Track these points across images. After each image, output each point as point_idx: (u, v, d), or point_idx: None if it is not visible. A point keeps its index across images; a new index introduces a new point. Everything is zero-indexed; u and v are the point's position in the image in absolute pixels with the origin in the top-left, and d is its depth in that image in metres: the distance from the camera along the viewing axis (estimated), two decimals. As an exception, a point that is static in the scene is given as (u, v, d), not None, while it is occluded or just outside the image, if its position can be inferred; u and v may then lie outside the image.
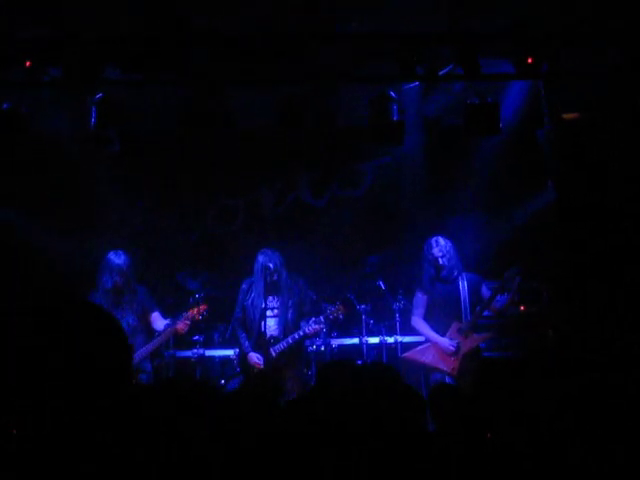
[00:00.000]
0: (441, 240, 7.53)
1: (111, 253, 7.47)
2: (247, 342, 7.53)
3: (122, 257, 7.42)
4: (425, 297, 7.55)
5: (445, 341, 7.30)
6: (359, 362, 7.42)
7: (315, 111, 8.22)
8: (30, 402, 1.74)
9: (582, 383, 2.67)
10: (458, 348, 7.24)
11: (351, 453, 2.30)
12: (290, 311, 7.51)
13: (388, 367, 2.62)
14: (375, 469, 2.28)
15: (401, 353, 8.02)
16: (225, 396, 4.34)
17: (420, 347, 7.54)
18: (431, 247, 7.51)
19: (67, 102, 8.33)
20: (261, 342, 7.43)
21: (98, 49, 7.30)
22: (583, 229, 8.15)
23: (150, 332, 7.49)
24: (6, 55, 7.29)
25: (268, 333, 7.42)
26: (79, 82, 7.46)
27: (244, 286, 7.72)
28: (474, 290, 7.43)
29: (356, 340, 8.47)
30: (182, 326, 7.28)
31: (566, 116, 8.32)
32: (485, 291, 7.42)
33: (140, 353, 7.20)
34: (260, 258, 7.56)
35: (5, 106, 7.78)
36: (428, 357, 7.39)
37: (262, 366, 7.34)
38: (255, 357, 7.42)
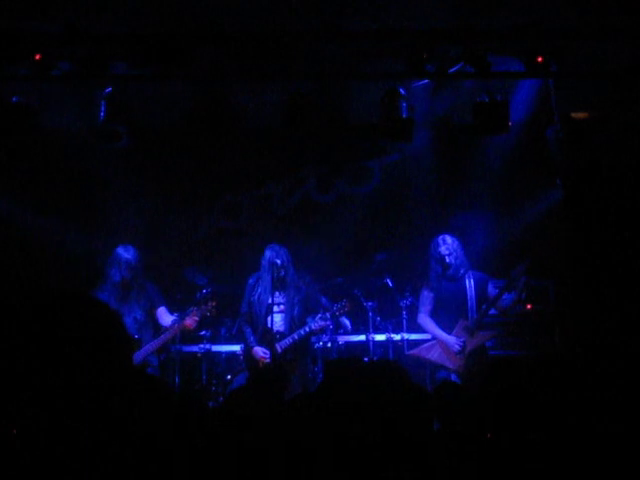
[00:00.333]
0: (448, 238, 7.53)
1: (120, 247, 7.48)
2: (252, 337, 7.53)
3: (131, 252, 7.43)
4: (432, 295, 7.55)
5: (451, 339, 7.30)
6: (365, 359, 7.43)
7: (324, 108, 8.22)
8: (28, 400, 1.74)
9: (588, 382, 2.66)
10: (464, 346, 7.24)
11: (357, 450, 2.31)
12: (296, 307, 7.51)
13: (396, 364, 2.61)
14: (381, 467, 2.28)
15: (407, 350, 8.03)
16: (231, 393, 4.35)
17: (426, 344, 7.54)
18: (438, 245, 7.51)
19: (76, 96, 8.34)
20: (267, 337, 7.43)
21: (108, 44, 7.31)
22: (591, 228, 8.14)
23: (157, 327, 7.50)
24: (16, 49, 7.30)
25: (274, 329, 7.43)
26: (89, 76, 7.48)
27: (251, 281, 7.72)
28: (480, 288, 7.42)
29: (363, 337, 8.48)
30: (190, 322, 7.27)
31: (575, 115, 8.31)
32: (491, 289, 7.42)
33: (148, 348, 7.22)
34: (268, 253, 7.56)
35: (15, 99, 7.80)
36: (434, 354, 7.39)
37: (268, 360, 7.35)
38: (261, 351, 7.41)
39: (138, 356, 7.08)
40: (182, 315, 7.34)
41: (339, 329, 8.55)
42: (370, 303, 8.43)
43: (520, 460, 2.35)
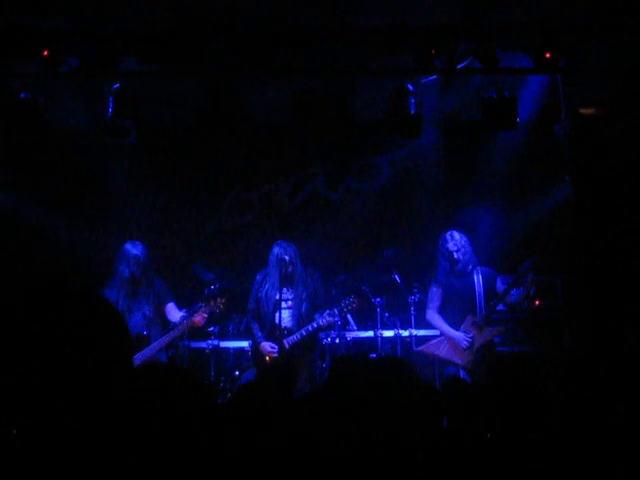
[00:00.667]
0: (456, 234, 7.52)
1: (128, 243, 7.48)
2: (260, 333, 7.53)
3: (139, 247, 7.43)
4: (440, 291, 7.54)
5: (460, 335, 7.29)
6: (373, 355, 7.43)
7: (332, 105, 8.22)
8: (28, 400, 1.74)
9: (596, 379, 2.66)
10: (472, 342, 7.24)
11: (364, 447, 2.31)
12: (304, 303, 7.51)
13: (403, 361, 2.61)
14: (389, 464, 2.28)
15: (416, 346, 8.03)
16: (239, 389, 4.36)
17: (434, 340, 7.54)
18: (446, 241, 7.50)
19: (84, 92, 8.35)
20: (274, 333, 7.43)
21: (116, 40, 7.32)
22: (600, 224, 8.12)
23: (166, 323, 7.51)
24: (24, 45, 7.31)
25: (282, 325, 7.43)
26: (96, 72, 7.48)
27: (258, 277, 7.72)
28: (489, 284, 7.42)
29: (371, 333, 8.48)
30: (199, 319, 7.26)
31: (584, 111, 8.28)
32: (500, 285, 7.41)
33: (156, 344, 7.21)
34: (276, 250, 7.56)
35: (22, 96, 7.81)
36: (442, 350, 7.39)
37: (276, 354, 7.35)
38: (269, 346, 7.41)
39: (147, 352, 7.08)
40: (191, 311, 7.32)
41: (347, 325, 8.56)
42: (378, 299, 8.43)
43: (526, 456, 2.35)
